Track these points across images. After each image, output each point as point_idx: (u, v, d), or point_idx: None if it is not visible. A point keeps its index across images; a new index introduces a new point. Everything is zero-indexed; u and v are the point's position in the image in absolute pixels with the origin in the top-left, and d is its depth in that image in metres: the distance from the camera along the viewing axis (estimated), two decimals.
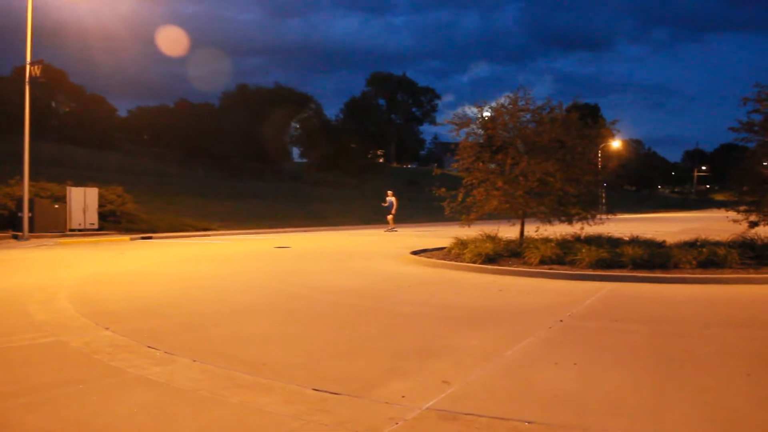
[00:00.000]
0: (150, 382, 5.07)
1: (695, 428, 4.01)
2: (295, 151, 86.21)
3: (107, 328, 7.09)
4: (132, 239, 24.75)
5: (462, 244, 14.99)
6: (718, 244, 12.98)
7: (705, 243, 13.29)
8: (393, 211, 31.12)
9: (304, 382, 5.01)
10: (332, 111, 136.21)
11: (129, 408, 4.45)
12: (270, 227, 32.14)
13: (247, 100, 74.05)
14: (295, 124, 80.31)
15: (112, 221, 27.95)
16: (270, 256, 17.25)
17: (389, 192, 31.45)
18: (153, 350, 6.11)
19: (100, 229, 26.53)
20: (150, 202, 33.78)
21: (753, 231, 13.65)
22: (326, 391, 4.76)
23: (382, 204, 31.75)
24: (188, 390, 4.86)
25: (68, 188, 26.23)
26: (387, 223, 31.89)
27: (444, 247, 16.58)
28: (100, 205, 27.02)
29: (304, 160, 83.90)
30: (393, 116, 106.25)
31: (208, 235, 28.29)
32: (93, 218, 26.35)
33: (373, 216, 42.00)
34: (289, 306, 9.04)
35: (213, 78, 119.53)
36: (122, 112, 77.14)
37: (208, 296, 9.98)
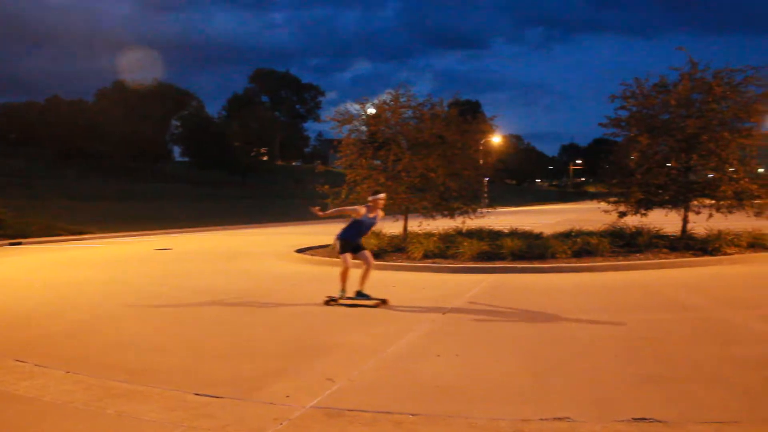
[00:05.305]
0: (18, 398, 4.75)
1: (576, 410, 4.17)
2: (176, 150, 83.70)
3: None
4: None
5: None
6: (591, 234, 13.75)
7: (579, 233, 14.05)
8: None
9: (185, 387, 4.85)
10: (215, 108, 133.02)
11: None
12: (150, 229, 30.90)
13: (124, 96, 70.94)
14: (175, 122, 77.99)
15: None
16: (150, 259, 16.62)
17: None
18: (22, 364, 5.71)
19: None
20: (19, 206, 31.66)
21: (622, 221, 14.48)
22: (208, 395, 4.63)
23: None
24: (60, 404, 4.59)
25: None
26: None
27: (329, 245, 16.53)
28: None
29: (186, 159, 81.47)
30: (277, 113, 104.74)
31: (85, 239, 26.90)
32: None
33: (258, 215, 41.40)
34: (168, 310, 8.73)
35: (87, 73, 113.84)
36: None
37: (83, 302, 9.47)
